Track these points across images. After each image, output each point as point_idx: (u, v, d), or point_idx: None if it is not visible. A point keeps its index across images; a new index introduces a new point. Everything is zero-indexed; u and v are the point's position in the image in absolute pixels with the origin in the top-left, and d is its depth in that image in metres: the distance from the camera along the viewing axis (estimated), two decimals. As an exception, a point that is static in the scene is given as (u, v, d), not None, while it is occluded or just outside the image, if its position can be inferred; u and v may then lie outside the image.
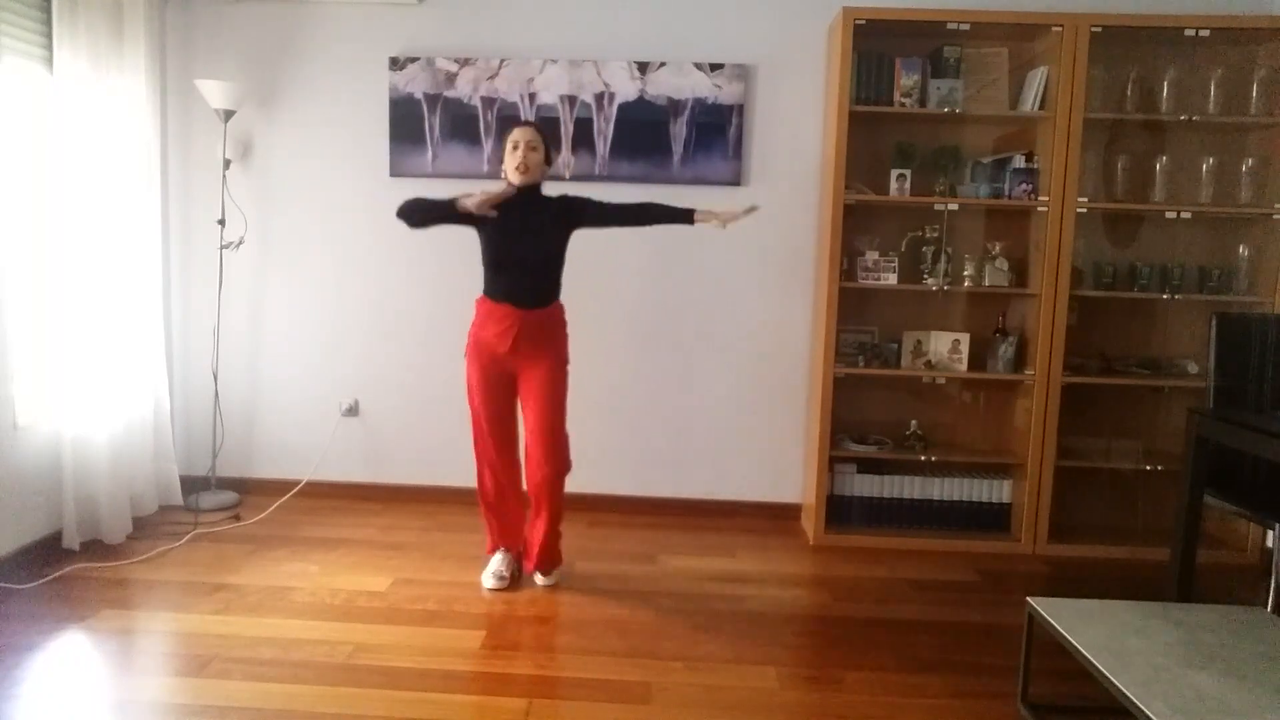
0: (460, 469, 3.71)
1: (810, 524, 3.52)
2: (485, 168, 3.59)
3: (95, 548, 3.15)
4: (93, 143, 3.13)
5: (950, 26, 3.25)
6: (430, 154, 3.64)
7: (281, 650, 2.43)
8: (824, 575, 3.14)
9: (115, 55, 3.23)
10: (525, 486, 2.95)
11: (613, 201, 2.81)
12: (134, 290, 3.37)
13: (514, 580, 2.96)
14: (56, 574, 2.89)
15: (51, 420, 3.10)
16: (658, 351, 3.73)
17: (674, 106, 3.57)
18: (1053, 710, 2.23)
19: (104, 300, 3.20)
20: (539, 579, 2.95)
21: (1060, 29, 3.21)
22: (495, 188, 2.72)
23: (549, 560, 2.95)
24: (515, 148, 2.75)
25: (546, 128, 2.82)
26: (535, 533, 2.93)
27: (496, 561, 2.97)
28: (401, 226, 3.81)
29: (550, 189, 2.88)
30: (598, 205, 2.81)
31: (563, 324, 2.90)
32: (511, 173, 2.76)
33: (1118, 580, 3.15)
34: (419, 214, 2.73)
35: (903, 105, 3.34)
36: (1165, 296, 3.37)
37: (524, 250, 2.75)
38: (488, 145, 3.62)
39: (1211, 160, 3.38)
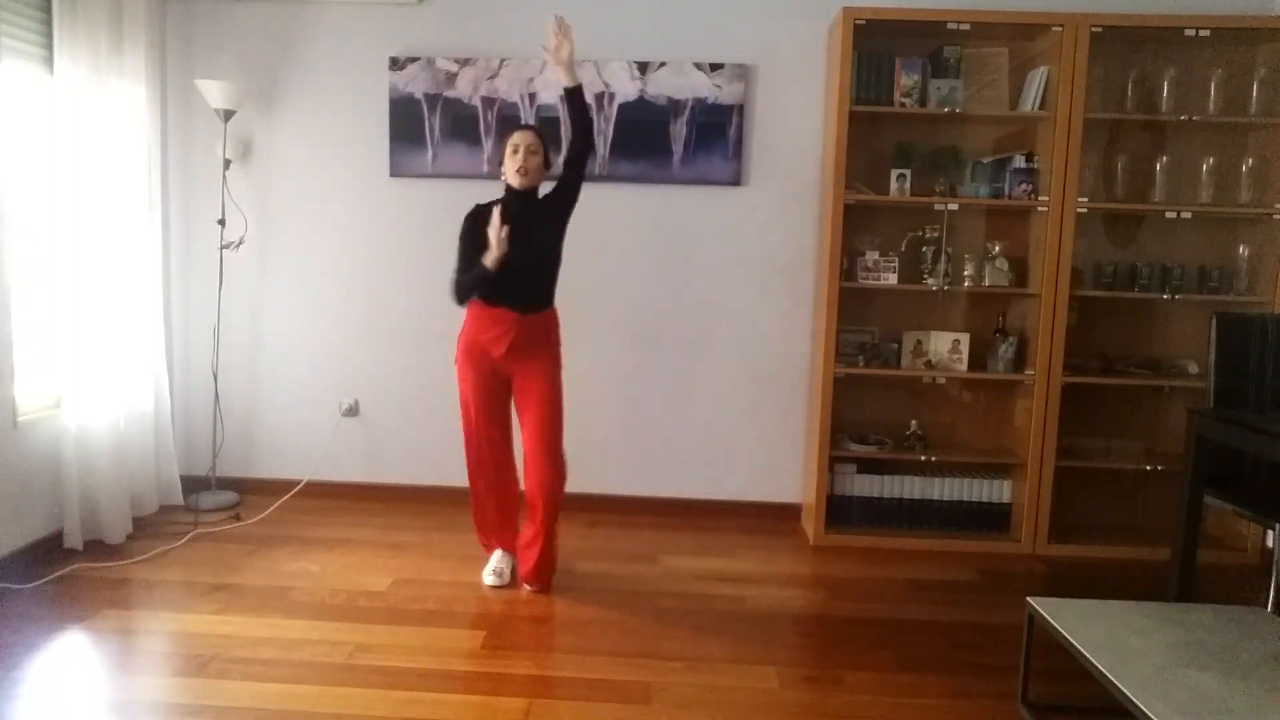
0: (460, 469, 3.71)
1: (810, 524, 3.52)
2: (485, 168, 3.59)
3: (96, 548, 3.15)
4: (93, 143, 3.13)
5: (950, 26, 3.25)
6: (430, 154, 3.63)
7: (281, 650, 2.43)
8: (824, 575, 3.14)
9: (115, 56, 3.23)
10: (524, 492, 2.89)
11: (568, 157, 2.84)
12: (134, 290, 3.36)
13: (512, 577, 2.96)
14: (57, 574, 2.89)
15: (52, 420, 3.10)
16: (658, 351, 3.73)
17: (674, 106, 3.57)
18: (1053, 710, 2.23)
19: (104, 300, 3.20)
20: (527, 588, 2.91)
21: (1060, 29, 3.21)
22: (493, 234, 2.67)
23: (542, 573, 2.88)
24: (515, 151, 2.75)
25: (546, 128, 2.82)
26: (531, 544, 2.86)
27: (496, 559, 2.97)
28: (401, 225, 3.82)
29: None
30: (565, 165, 2.84)
31: (557, 329, 2.89)
32: (511, 176, 2.76)
33: (1118, 580, 3.15)
34: (463, 294, 2.77)
35: (903, 105, 3.34)
36: (1165, 296, 3.37)
37: (522, 252, 2.73)
38: (488, 145, 3.61)
39: (1211, 160, 3.38)
